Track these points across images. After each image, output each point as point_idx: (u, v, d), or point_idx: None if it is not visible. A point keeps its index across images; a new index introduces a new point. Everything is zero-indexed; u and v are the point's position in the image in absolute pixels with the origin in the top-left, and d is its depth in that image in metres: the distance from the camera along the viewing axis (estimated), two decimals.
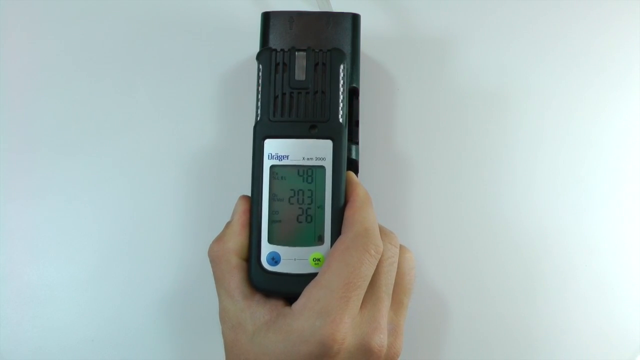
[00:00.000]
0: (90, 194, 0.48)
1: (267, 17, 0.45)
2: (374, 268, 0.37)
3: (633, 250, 0.48)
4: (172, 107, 0.49)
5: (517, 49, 0.50)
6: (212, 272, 0.39)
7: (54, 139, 0.48)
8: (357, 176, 0.43)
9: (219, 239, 0.39)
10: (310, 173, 0.39)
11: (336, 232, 0.39)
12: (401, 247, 0.40)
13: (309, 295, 0.36)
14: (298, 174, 0.39)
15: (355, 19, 0.45)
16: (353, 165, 0.43)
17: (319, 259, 0.39)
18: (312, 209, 0.39)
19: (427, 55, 0.50)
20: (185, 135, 0.48)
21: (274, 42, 0.45)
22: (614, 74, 0.51)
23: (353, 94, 0.44)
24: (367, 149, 0.47)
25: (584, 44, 0.51)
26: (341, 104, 0.40)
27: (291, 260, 0.39)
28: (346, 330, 0.35)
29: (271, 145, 0.39)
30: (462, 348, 0.47)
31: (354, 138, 0.44)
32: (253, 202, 0.39)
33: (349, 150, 0.43)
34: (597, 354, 0.47)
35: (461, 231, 0.48)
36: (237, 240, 0.39)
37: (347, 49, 0.45)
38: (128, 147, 0.48)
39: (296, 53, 0.40)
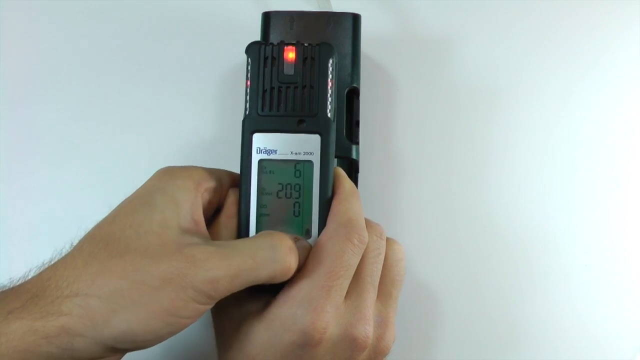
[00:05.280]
0: (89, 193, 0.48)
1: (267, 17, 0.45)
2: (358, 258, 0.37)
3: (633, 250, 0.48)
4: (172, 106, 0.49)
5: (517, 48, 0.50)
6: None
7: (54, 138, 0.49)
8: (357, 176, 0.44)
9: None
10: (298, 167, 0.39)
11: (323, 226, 0.38)
12: (389, 239, 0.40)
13: (292, 285, 0.36)
14: (286, 168, 0.39)
15: (355, 19, 0.45)
16: (353, 165, 0.43)
17: None
18: (300, 203, 0.39)
19: (427, 55, 0.50)
20: (185, 135, 0.49)
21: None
22: (616, 73, 0.50)
23: (353, 94, 0.44)
24: (367, 149, 0.47)
25: (586, 43, 0.50)
26: (329, 99, 0.40)
27: None
28: (328, 319, 0.35)
29: (259, 140, 0.39)
30: (456, 345, 0.47)
31: (354, 138, 0.44)
32: (241, 196, 0.39)
33: (349, 150, 0.43)
34: (597, 354, 0.46)
35: (461, 230, 0.48)
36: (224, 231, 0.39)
37: (347, 49, 0.45)
38: (127, 146, 0.49)
39: (285, 47, 0.40)
